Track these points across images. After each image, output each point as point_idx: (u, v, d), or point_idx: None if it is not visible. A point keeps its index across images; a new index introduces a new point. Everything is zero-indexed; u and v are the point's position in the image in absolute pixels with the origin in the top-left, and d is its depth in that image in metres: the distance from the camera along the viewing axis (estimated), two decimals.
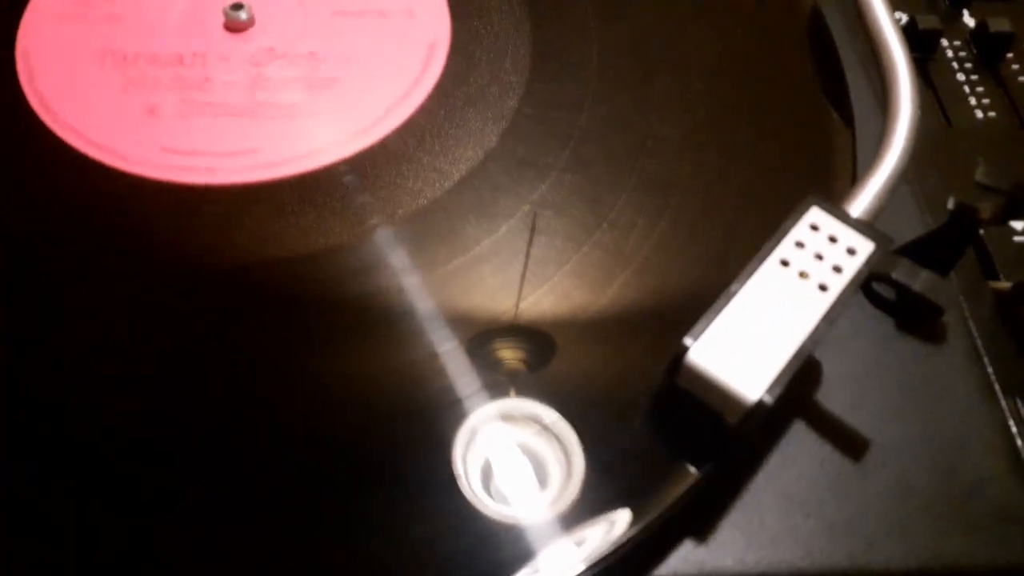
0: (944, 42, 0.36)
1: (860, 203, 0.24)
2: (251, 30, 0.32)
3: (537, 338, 0.25)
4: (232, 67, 0.31)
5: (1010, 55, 0.35)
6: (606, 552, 0.22)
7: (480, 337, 0.25)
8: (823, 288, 0.23)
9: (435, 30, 0.32)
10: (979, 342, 0.28)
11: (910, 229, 0.29)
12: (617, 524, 0.22)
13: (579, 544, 0.22)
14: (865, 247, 0.23)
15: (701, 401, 0.22)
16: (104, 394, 0.24)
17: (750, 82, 0.33)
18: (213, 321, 0.26)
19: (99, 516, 0.22)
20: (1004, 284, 0.29)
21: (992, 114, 0.34)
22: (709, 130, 0.30)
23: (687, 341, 0.22)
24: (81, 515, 0.22)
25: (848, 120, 0.31)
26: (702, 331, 0.22)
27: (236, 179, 0.28)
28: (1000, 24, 0.35)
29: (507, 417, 0.23)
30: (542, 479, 0.22)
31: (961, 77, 0.35)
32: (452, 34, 0.32)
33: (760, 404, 0.21)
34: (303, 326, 0.25)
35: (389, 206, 0.28)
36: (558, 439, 0.23)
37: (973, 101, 0.34)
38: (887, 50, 0.26)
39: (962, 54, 0.36)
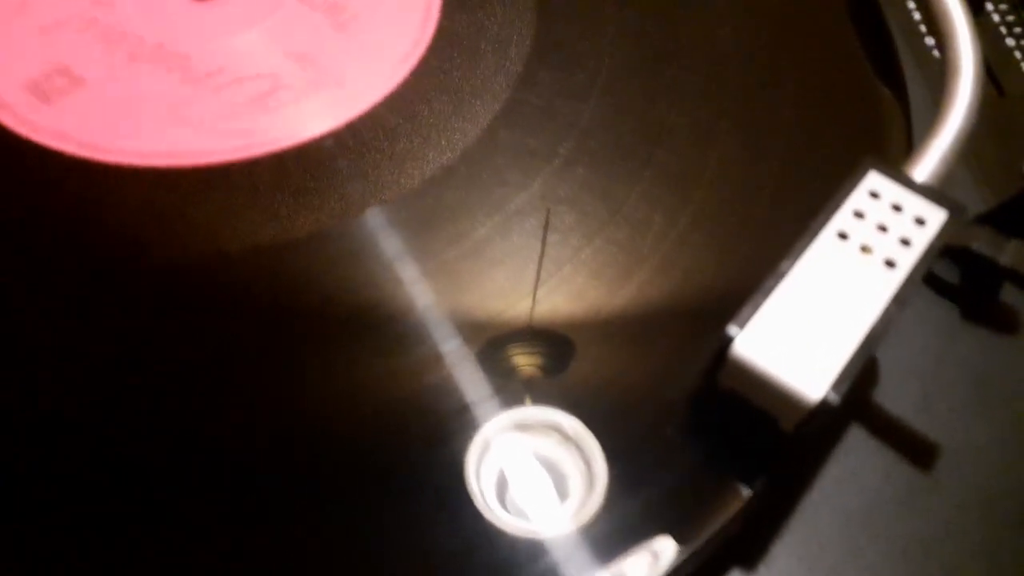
0: (989, 6, 0.33)
1: (924, 167, 0.21)
2: None
3: (554, 340, 0.22)
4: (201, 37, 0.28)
5: None
6: None
7: (493, 341, 0.22)
8: (890, 264, 0.19)
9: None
10: None
11: (969, 210, 0.26)
12: (654, 550, 0.19)
13: (607, 568, 0.18)
14: (936, 216, 0.20)
15: (748, 403, 0.19)
16: (81, 402, 0.21)
17: (788, 57, 0.29)
18: (193, 319, 0.22)
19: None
20: None
21: None
22: (745, 112, 0.27)
23: (731, 330, 0.18)
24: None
25: (900, 94, 0.27)
26: (749, 318, 0.18)
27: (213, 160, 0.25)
28: None
29: (523, 426, 0.20)
30: (562, 491, 0.20)
31: (1011, 42, 0.32)
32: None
33: (824, 404, 0.18)
34: (298, 329, 0.22)
35: (383, 190, 0.24)
36: (578, 448, 0.20)
37: None
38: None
39: (1009, 18, 0.32)
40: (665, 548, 0.18)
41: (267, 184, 0.25)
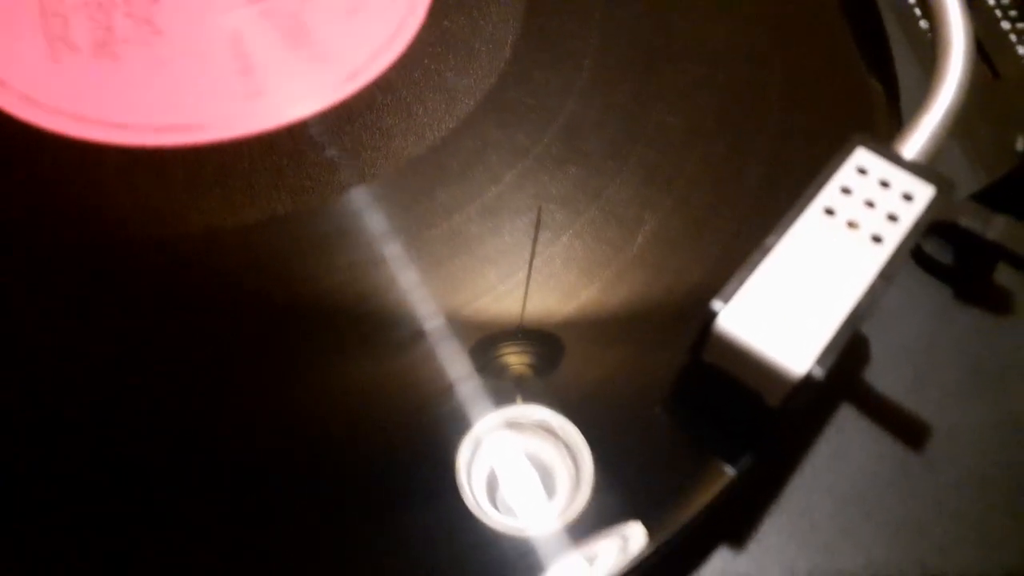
0: None
1: (913, 144, 0.21)
2: None
3: (544, 340, 0.22)
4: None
5: None
6: (626, 567, 0.18)
7: (484, 341, 0.22)
8: (877, 240, 0.19)
9: None
10: None
11: (963, 190, 0.25)
12: (637, 534, 0.19)
13: (593, 558, 0.18)
14: (924, 192, 0.20)
15: (733, 380, 0.19)
16: (43, 397, 0.21)
17: (779, 46, 0.29)
18: (178, 306, 0.22)
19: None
20: None
21: None
22: (732, 107, 0.27)
23: (715, 305, 0.18)
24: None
25: (890, 79, 0.27)
26: (733, 292, 0.18)
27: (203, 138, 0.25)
28: None
29: (513, 425, 0.20)
30: (550, 489, 0.20)
31: (1006, 25, 0.31)
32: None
33: (808, 379, 0.17)
34: (285, 324, 0.22)
35: (369, 178, 0.24)
36: (567, 446, 0.20)
37: (1021, 50, 0.31)
38: None
39: (1004, 0, 0.32)
40: (645, 528, 0.18)
41: (251, 165, 0.25)
